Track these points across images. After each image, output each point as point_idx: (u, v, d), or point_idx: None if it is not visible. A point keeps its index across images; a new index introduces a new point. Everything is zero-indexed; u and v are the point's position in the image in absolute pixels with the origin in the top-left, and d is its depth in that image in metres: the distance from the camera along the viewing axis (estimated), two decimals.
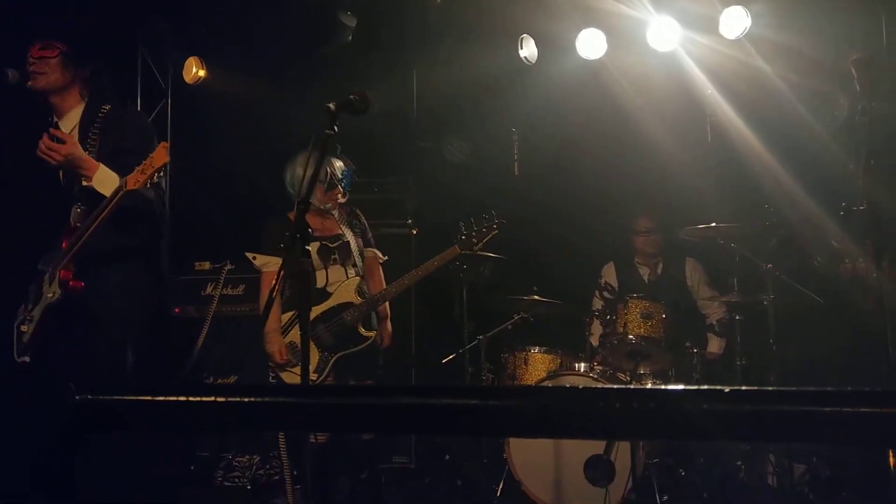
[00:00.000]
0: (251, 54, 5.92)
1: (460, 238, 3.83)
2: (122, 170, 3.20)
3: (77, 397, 1.38)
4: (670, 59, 5.42)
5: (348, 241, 4.06)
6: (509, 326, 5.00)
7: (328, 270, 3.99)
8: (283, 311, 3.94)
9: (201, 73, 6.07)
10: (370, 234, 4.23)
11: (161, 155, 3.05)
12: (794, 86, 5.10)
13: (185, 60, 6.02)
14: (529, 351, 4.78)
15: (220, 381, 5.35)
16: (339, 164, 4.05)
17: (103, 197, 3.15)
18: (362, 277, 4.00)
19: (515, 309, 4.97)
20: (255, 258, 4.07)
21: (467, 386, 4.39)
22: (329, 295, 3.96)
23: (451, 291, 5.45)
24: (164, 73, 6.12)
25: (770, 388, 1.05)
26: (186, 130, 6.07)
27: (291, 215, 4.02)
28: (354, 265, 4.03)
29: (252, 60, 5.95)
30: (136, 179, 3.04)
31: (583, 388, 1.03)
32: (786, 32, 5.03)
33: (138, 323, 3.42)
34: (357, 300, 3.92)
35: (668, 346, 4.51)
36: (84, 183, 3.20)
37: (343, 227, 4.11)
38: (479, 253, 3.98)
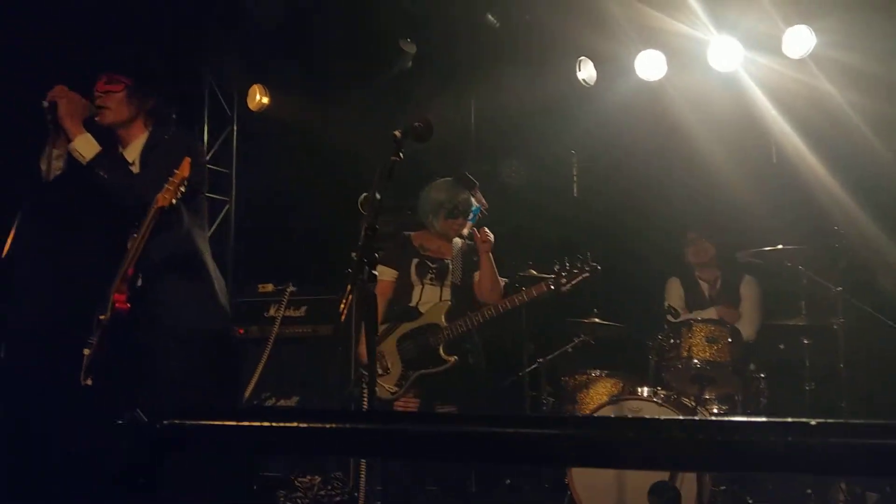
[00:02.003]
0: (313, 81, 6.05)
1: (550, 277, 3.86)
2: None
3: (154, 423, 1.42)
4: (732, 79, 5.36)
5: (449, 265, 4.14)
6: (569, 349, 4.97)
7: (423, 289, 4.13)
8: (381, 322, 4.12)
9: (265, 99, 6.23)
10: None
11: (184, 168, 3.07)
12: (860, 107, 5.00)
13: (249, 88, 6.19)
14: (590, 374, 4.74)
15: (281, 401, 5.42)
16: (466, 196, 4.15)
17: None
18: (454, 303, 4.08)
19: (576, 331, 4.94)
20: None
21: (525, 415, 4.37)
22: (420, 314, 4.10)
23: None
24: (229, 100, 6.29)
25: (860, 421, 1.03)
26: (251, 155, 6.22)
27: (413, 235, 4.25)
28: (451, 289, 4.11)
29: (314, 87, 6.07)
30: (163, 197, 3.06)
31: (663, 419, 1.02)
32: (851, 52, 4.94)
33: (197, 341, 3.42)
34: (443, 324, 4.00)
35: (734, 371, 4.42)
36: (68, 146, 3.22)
37: (456, 256, 4.20)
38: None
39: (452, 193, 4.14)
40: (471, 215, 4.19)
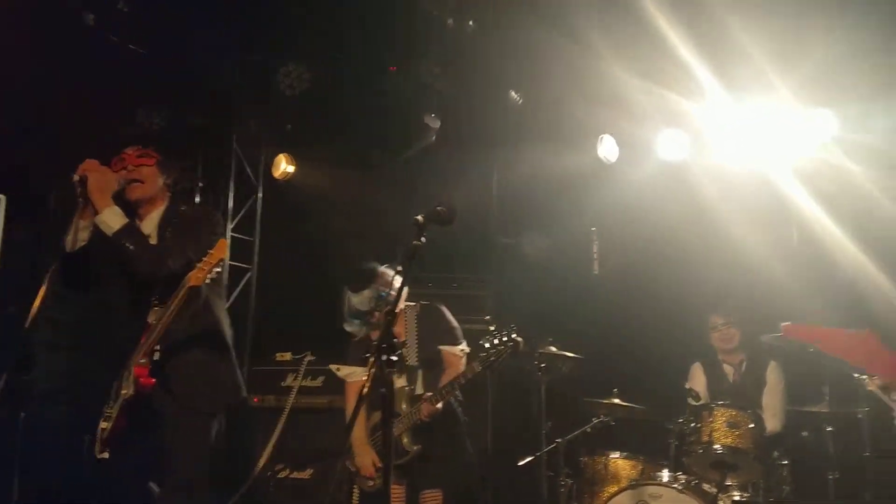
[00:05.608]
0: (338, 151, 6.13)
1: (479, 355, 3.69)
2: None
3: None
4: (755, 158, 5.37)
5: (401, 351, 3.92)
6: (588, 429, 4.87)
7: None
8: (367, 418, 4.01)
9: (290, 168, 6.30)
10: (451, 326, 4.13)
11: (220, 250, 3.05)
12: (882, 184, 5.00)
13: (275, 157, 6.27)
14: (610, 456, 4.65)
15: (295, 473, 5.35)
16: (352, 298, 4.02)
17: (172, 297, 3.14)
18: (412, 388, 3.97)
19: (595, 412, 4.86)
20: (338, 369, 4.19)
21: None
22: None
23: (529, 389, 5.38)
24: (255, 168, 6.38)
25: None
26: (274, 224, 6.27)
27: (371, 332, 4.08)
28: (407, 373, 3.99)
29: (338, 157, 6.15)
30: (196, 276, 3.03)
31: None
32: (873, 135, 4.96)
33: (212, 413, 3.38)
34: (403, 412, 3.88)
35: (756, 458, 4.32)
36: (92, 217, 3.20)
37: (409, 334, 4.07)
38: (554, 354, 3.81)
39: (343, 302, 4.04)
40: (374, 304, 3.97)
